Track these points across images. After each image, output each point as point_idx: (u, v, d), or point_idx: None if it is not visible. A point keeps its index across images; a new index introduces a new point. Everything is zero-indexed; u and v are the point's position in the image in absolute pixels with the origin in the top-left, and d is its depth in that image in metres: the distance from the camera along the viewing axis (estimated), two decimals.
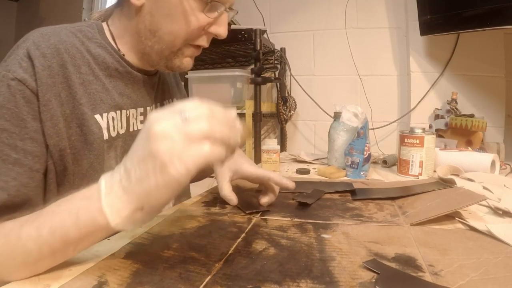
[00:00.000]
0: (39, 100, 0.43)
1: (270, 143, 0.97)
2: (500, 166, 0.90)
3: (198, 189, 0.77)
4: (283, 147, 1.50)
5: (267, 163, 0.95)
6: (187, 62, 0.55)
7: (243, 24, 1.31)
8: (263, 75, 1.27)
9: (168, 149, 0.30)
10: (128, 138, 0.55)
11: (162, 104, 0.64)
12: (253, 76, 1.24)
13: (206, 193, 0.70)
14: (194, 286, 0.33)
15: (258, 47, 1.21)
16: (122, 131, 0.54)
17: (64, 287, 0.33)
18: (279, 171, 0.96)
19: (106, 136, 0.50)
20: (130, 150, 0.34)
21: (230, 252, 0.41)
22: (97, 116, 0.49)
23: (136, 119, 0.57)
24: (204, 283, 0.33)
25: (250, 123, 1.24)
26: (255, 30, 1.21)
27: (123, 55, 0.54)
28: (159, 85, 0.64)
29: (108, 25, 0.55)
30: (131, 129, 0.55)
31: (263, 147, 0.96)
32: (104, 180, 0.34)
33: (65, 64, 0.46)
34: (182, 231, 0.48)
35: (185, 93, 0.80)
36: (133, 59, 0.55)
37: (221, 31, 0.53)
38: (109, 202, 0.32)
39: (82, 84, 0.48)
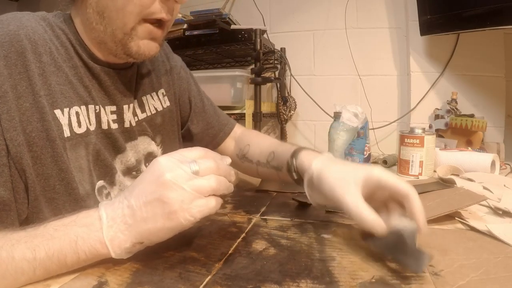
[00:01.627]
0: None
1: None
2: (500, 166, 0.90)
3: None
4: None
5: None
6: (146, 45, 0.47)
7: (243, 24, 1.31)
8: (263, 75, 1.27)
9: (179, 199, 0.34)
10: (100, 136, 0.49)
11: (141, 101, 0.58)
12: (253, 76, 1.24)
13: None
14: (194, 286, 0.33)
15: (258, 47, 1.21)
16: (92, 128, 0.48)
17: (64, 287, 0.33)
18: None
19: (67, 133, 0.44)
20: (133, 187, 0.37)
21: (230, 252, 0.41)
22: (57, 111, 0.44)
23: (108, 117, 0.51)
24: (204, 283, 0.33)
25: (250, 123, 1.24)
26: (255, 30, 1.21)
27: (87, 46, 0.49)
28: (139, 76, 0.58)
29: (71, 17, 0.49)
30: (103, 127, 0.50)
31: None
32: (105, 211, 0.36)
33: (24, 52, 0.42)
34: (182, 231, 0.48)
35: (187, 74, 0.71)
36: (97, 53, 0.49)
37: None
38: (111, 235, 0.35)
39: (42, 75, 0.43)
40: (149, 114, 0.59)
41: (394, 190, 0.40)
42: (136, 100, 0.57)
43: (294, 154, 0.50)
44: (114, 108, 0.52)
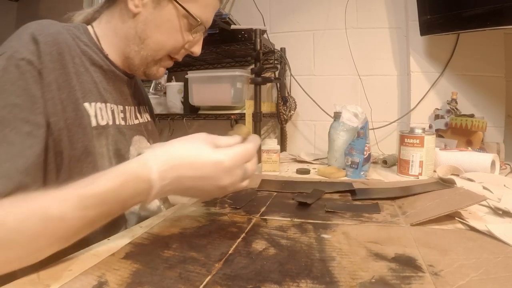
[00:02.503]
0: (43, 81, 0.45)
1: (270, 143, 0.97)
2: (500, 166, 0.90)
3: None
4: (283, 147, 1.50)
5: (267, 163, 0.95)
6: (162, 71, 0.62)
7: (243, 24, 1.31)
8: (263, 75, 1.27)
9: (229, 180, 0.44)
10: (116, 130, 0.57)
11: (138, 108, 0.68)
12: (253, 76, 1.24)
13: None
14: (194, 286, 0.33)
15: (258, 47, 1.21)
16: (110, 122, 0.56)
17: (64, 287, 0.33)
18: (279, 171, 0.96)
19: (94, 123, 0.52)
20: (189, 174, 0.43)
21: (230, 252, 0.41)
22: (86, 104, 0.52)
23: (118, 115, 0.59)
24: (204, 283, 0.33)
25: (250, 123, 1.24)
26: (255, 30, 1.21)
27: (107, 54, 0.58)
28: (136, 89, 0.69)
29: (92, 27, 0.59)
30: (116, 122, 0.58)
31: (263, 147, 0.96)
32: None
33: (63, 53, 0.49)
34: (182, 231, 0.48)
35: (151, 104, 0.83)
36: (116, 60, 0.59)
37: (197, 50, 0.63)
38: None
39: (75, 73, 0.51)
40: (144, 120, 0.69)
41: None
42: (135, 106, 0.67)
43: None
44: (122, 108, 0.61)
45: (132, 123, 0.64)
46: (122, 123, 0.60)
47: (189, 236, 0.46)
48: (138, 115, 0.67)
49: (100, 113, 0.54)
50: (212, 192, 0.45)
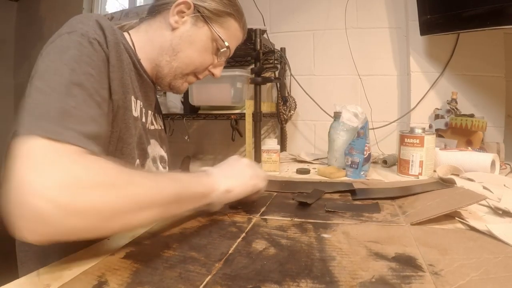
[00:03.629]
0: (109, 62, 0.49)
1: (270, 143, 0.97)
2: (500, 166, 0.90)
3: None
4: (283, 147, 1.50)
5: (267, 163, 0.95)
6: (185, 86, 0.68)
7: None
8: (263, 75, 1.27)
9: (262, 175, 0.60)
10: (141, 126, 0.61)
11: (156, 116, 0.72)
12: (253, 76, 1.24)
13: None
14: (194, 286, 0.33)
15: (258, 47, 1.21)
16: (139, 118, 0.60)
17: (64, 287, 0.33)
18: (279, 171, 0.96)
19: (134, 113, 0.57)
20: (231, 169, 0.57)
21: (230, 252, 0.41)
22: (127, 95, 0.55)
23: (143, 115, 0.63)
24: (204, 283, 0.33)
25: (250, 123, 1.24)
26: (255, 30, 1.21)
27: (139, 59, 0.61)
28: (154, 96, 0.72)
29: (129, 34, 0.63)
30: (142, 120, 0.62)
31: (263, 147, 0.96)
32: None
33: (118, 43, 0.52)
34: (182, 231, 0.48)
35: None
36: (147, 67, 0.63)
37: (218, 72, 0.69)
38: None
39: (120, 69, 0.53)
40: (158, 127, 0.72)
41: None
42: (155, 113, 0.70)
43: None
44: (145, 110, 0.64)
45: (151, 128, 0.67)
46: (145, 123, 0.64)
47: (189, 236, 0.46)
48: (155, 122, 0.70)
49: (135, 105, 0.57)
50: (245, 172, 0.57)
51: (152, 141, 0.67)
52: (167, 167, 0.72)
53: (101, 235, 0.38)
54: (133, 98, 0.57)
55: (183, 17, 0.61)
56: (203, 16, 0.62)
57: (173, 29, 0.61)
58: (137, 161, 0.59)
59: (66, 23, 0.49)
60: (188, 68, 0.64)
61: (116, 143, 0.52)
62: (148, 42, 0.62)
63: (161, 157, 0.70)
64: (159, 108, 0.78)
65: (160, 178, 0.44)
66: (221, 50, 0.65)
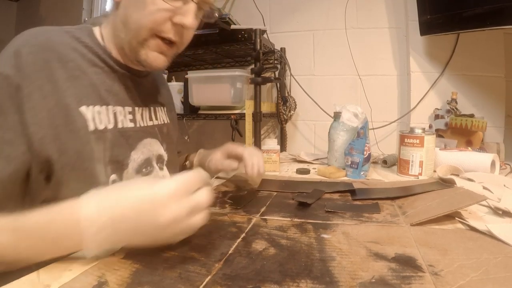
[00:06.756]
0: (21, 92, 0.45)
1: (270, 143, 0.97)
2: (500, 166, 0.90)
3: None
4: (283, 147, 1.50)
5: (267, 163, 0.95)
6: (155, 57, 0.55)
7: (243, 24, 1.31)
8: (263, 75, 1.27)
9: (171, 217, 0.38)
10: (117, 135, 0.55)
11: (154, 109, 0.67)
12: (253, 76, 1.24)
13: None
14: (194, 286, 0.33)
15: (258, 47, 1.21)
16: (110, 126, 0.54)
17: (64, 287, 0.33)
18: (279, 171, 0.96)
19: (92, 127, 0.51)
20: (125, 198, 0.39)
21: (230, 252, 0.41)
22: (82, 108, 0.50)
23: (125, 117, 0.58)
24: (204, 283, 0.33)
25: (250, 123, 1.24)
26: (255, 30, 1.21)
27: (110, 53, 0.57)
28: (153, 89, 0.67)
29: (100, 28, 0.59)
30: (119, 126, 0.56)
31: (263, 147, 0.96)
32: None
33: (50, 61, 0.48)
34: None
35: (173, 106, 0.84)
36: (119, 57, 0.58)
37: (185, 20, 0.53)
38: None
39: (68, 79, 0.50)
40: (160, 122, 0.68)
41: (236, 153, 0.73)
42: (149, 107, 0.65)
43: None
44: (130, 109, 0.60)
45: (144, 125, 0.62)
46: (130, 125, 0.59)
47: (189, 236, 0.46)
48: (153, 116, 0.66)
49: (98, 116, 0.52)
50: (155, 233, 0.38)
51: (147, 140, 0.62)
52: (164, 167, 0.66)
53: None
54: (95, 108, 0.52)
55: None
56: None
57: (117, 4, 0.55)
58: (112, 176, 0.53)
59: None
60: (142, 33, 0.53)
61: (62, 172, 0.47)
62: (109, 30, 0.57)
63: (159, 157, 0.65)
64: (163, 99, 0.72)
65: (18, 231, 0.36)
66: None
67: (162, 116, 0.70)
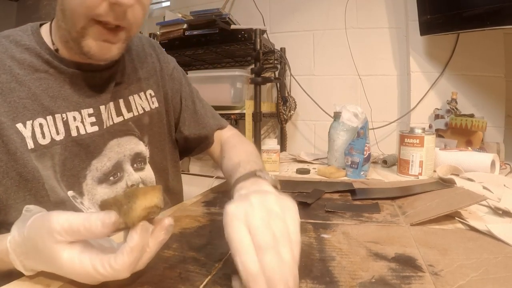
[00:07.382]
0: None
1: (270, 143, 0.97)
2: (500, 166, 0.90)
3: (198, 189, 0.77)
4: (283, 147, 1.50)
5: (267, 163, 0.95)
6: (100, 46, 0.47)
7: (243, 24, 1.31)
8: (263, 75, 1.27)
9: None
10: (70, 145, 0.49)
11: (127, 99, 0.58)
12: (253, 76, 1.24)
13: (206, 193, 0.70)
14: (194, 286, 0.33)
15: (258, 47, 1.21)
16: (59, 138, 0.48)
17: (64, 287, 0.33)
18: (279, 171, 0.96)
19: (31, 145, 0.45)
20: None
21: (230, 252, 0.41)
22: (19, 125, 0.45)
23: (82, 122, 0.51)
24: (204, 283, 0.33)
25: (250, 123, 1.24)
26: (255, 30, 1.21)
27: (57, 50, 0.50)
28: (124, 76, 0.58)
29: (52, 22, 0.52)
30: (73, 134, 0.50)
31: (263, 147, 0.96)
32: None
33: None
34: (182, 232, 0.48)
35: (180, 75, 0.72)
36: (66, 54, 0.50)
37: None
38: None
39: (1, 94, 0.45)
40: (136, 114, 0.59)
41: None
42: (117, 101, 0.56)
43: (235, 184, 0.46)
44: (91, 110, 0.52)
45: (112, 123, 0.55)
46: (92, 129, 0.52)
47: (189, 236, 0.46)
48: (124, 110, 0.57)
49: (40, 130, 0.46)
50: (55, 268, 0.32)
51: (114, 141, 0.55)
52: (146, 165, 0.60)
53: None
54: (34, 123, 0.46)
55: None
56: None
57: None
58: (69, 192, 0.49)
59: None
60: (78, 21, 0.44)
61: (6, 196, 0.44)
62: (54, 23, 0.50)
63: (136, 155, 0.58)
64: (153, 77, 0.63)
65: None
66: None
67: (141, 104, 0.60)
